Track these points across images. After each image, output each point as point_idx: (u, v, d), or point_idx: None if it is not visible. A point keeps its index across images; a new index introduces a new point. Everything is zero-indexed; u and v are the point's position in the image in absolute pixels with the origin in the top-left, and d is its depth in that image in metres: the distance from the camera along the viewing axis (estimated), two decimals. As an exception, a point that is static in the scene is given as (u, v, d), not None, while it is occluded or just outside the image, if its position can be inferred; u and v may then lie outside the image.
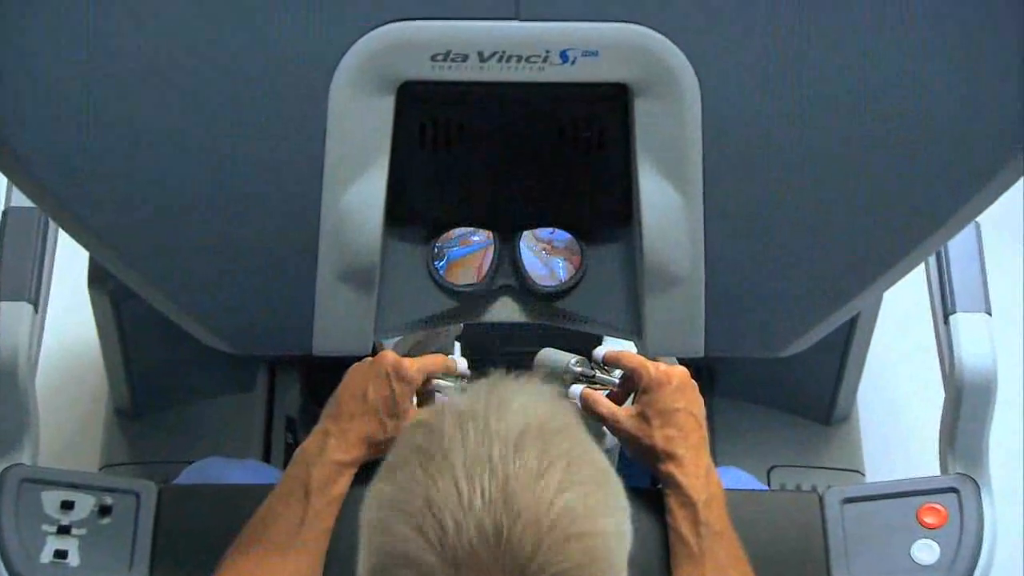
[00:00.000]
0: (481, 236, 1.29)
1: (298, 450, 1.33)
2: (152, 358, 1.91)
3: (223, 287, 1.23)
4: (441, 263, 1.28)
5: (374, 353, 1.35)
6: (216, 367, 1.92)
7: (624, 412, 1.34)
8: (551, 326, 1.31)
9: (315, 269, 1.21)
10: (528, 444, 0.90)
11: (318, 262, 1.20)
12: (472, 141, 1.23)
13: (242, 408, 1.99)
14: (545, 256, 1.29)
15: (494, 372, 0.99)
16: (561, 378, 1.45)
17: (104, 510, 1.37)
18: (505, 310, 1.30)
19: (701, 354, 1.25)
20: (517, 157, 1.24)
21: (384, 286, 1.25)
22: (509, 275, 1.29)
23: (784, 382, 1.96)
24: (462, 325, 1.45)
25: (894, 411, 2.14)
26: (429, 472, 0.89)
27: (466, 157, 1.23)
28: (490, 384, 0.97)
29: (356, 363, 1.33)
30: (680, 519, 1.27)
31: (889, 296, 1.69)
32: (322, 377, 1.59)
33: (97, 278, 1.75)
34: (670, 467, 1.29)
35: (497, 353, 1.73)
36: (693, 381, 1.35)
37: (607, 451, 1.44)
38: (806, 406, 2.00)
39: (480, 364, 1.36)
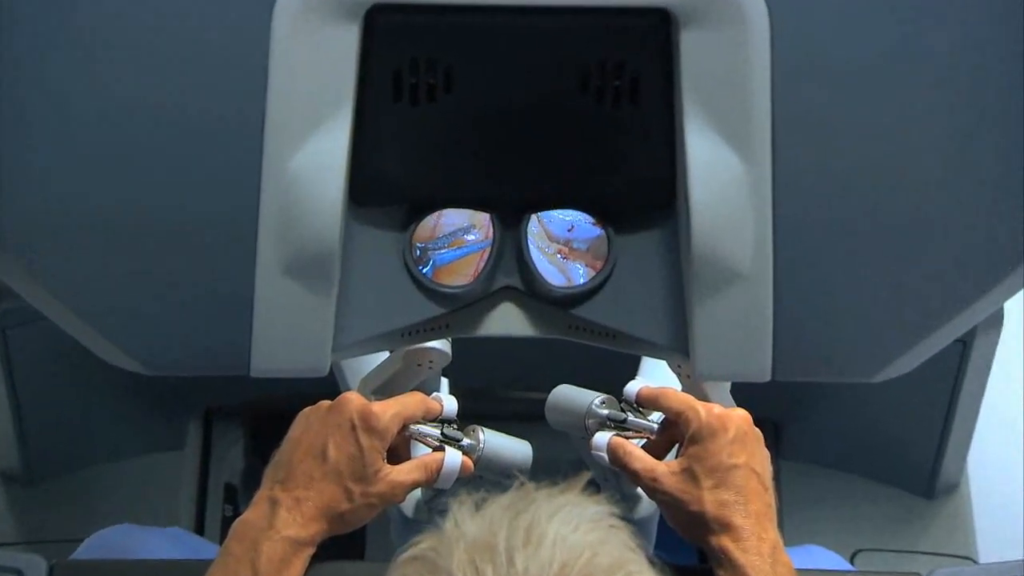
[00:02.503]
0: (478, 234, 1.27)
1: (237, 522, 1.29)
2: (50, 405, 1.88)
3: (131, 285, 1.21)
4: (425, 268, 1.26)
5: (330, 395, 1.32)
6: (135, 417, 1.90)
7: (665, 468, 1.32)
8: (569, 345, 1.29)
9: (253, 260, 1.19)
10: None
11: (257, 250, 1.18)
12: (463, 92, 1.20)
13: (168, 472, 1.98)
14: (561, 261, 1.27)
15: (517, 483, 0.97)
16: (583, 424, 1.41)
17: (-24, 595, 1.35)
18: (506, 320, 1.28)
19: (767, 377, 1.22)
20: (523, 114, 1.22)
21: (346, 285, 1.22)
22: (512, 273, 1.27)
23: (871, 442, 1.95)
24: (450, 354, 1.41)
25: (1013, 479, 2.11)
26: None
27: (455, 113, 1.21)
28: (513, 502, 0.95)
29: (308, 409, 1.32)
30: (738, 609, 1.24)
31: (1006, 332, 1.72)
32: (273, 430, 1.54)
33: (-24, 299, 1.74)
34: (725, 541, 1.27)
35: (496, 396, 1.74)
36: (757, 430, 1.32)
37: (642, 520, 1.46)
38: (901, 473, 1.99)
39: (474, 411, 1.41)
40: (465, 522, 0.95)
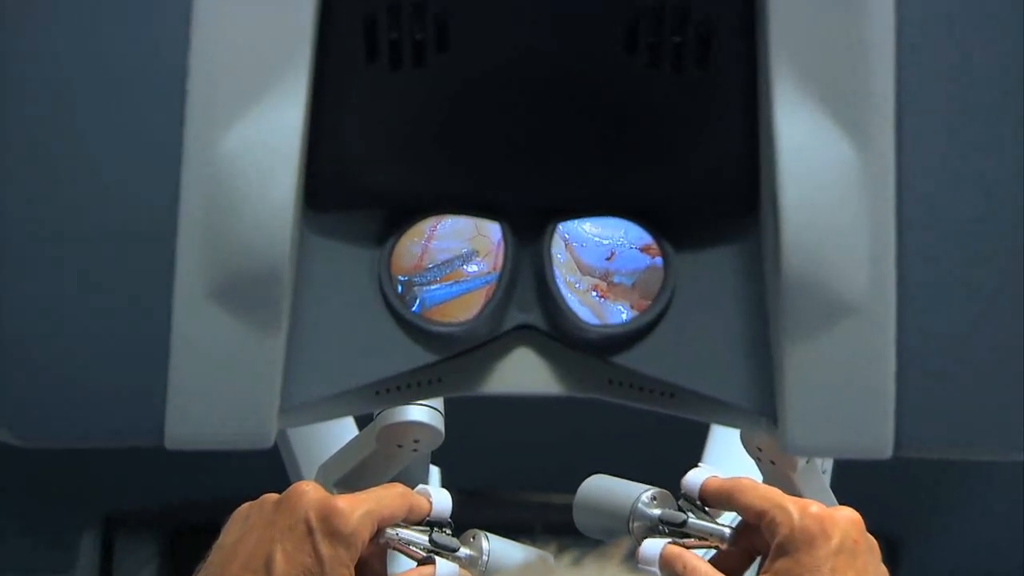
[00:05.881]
0: (483, 264, 1.28)
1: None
2: None
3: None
4: (413, 308, 1.27)
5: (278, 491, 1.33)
6: (8, 528, 1.94)
7: (742, 589, 1.35)
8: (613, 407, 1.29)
9: (169, 282, 1.19)
10: None
11: (176, 269, 1.18)
12: (462, 51, 1.22)
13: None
14: (598, 301, 1.27)
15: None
16: (627, 528, 1.41)
17: None
18: (521, 372, 1.28)
19: (887, 453, 1.20)
20: (546, 83, 1.24)
21: (298, 320, 1.23)
22: (529, 306, 1.27)
23: (1020, 564, 1.98)
24: (442, 432, 1.44)
25: None
26: None
27: (451, 81, 1.23)
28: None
29: (247, 505, 1.34)
30: None
31: None
32: (196, 547, 1.54)
33: None
34: None
35: (505, 500, 1.77)
36: (871, 538, 1.32)
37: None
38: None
39: (476, 522, 1.42)
40: None
